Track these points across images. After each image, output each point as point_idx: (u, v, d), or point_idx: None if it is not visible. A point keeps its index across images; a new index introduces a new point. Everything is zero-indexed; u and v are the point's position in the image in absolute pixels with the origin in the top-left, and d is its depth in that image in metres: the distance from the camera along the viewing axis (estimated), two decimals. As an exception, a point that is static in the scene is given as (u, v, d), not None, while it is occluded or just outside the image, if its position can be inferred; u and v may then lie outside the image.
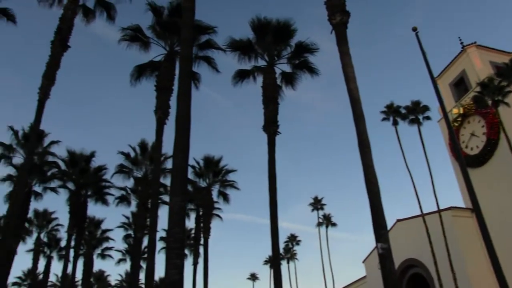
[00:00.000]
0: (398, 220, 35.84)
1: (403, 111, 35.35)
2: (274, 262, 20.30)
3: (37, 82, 20.40)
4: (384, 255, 11.61)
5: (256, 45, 23.09)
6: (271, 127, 21.20)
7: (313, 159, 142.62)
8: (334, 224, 64.93)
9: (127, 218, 40.94)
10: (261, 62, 23.59)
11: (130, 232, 41.85)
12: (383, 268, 11.72)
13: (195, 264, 34.70)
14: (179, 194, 10.73)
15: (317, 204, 65.44)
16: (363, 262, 40.57)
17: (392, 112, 35.99)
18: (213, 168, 33.52)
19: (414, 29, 15.84)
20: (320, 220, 64.65)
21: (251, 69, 23.98)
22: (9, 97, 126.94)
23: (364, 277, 40.94)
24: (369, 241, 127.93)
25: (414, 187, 32.83)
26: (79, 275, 40.60)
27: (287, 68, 23.87)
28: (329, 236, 63.19)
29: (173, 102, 20.92)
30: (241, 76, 23.95)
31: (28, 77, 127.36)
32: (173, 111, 20.74)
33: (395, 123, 35.77)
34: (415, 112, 34.94)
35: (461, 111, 35.98)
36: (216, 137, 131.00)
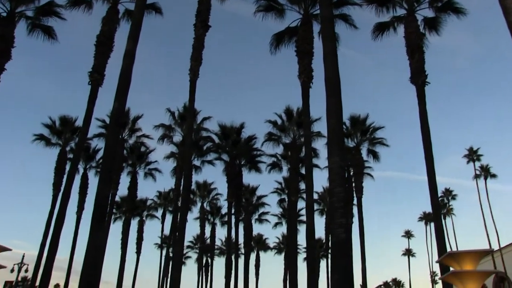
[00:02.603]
0: None
1: None
2: (435, 218, 19.54)
3: (183, 64, 21.97)
4: None
5: (393, -6, 22.01)
6: (418, 77, 20.20)
7: (465, 107, 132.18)
8: (493, 176, 60.22)
9: (280, 183, 42.57)
10: (400, 11, 22.55)
11: (284, 196, 43.48)
12: None
13: (349, 224, 34.94)
14: (338, 154, 10.83)
15: (472, 155, 61.07)
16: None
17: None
18: (360, 127, 32.95)
19: None
20: (477, 172, 60.34)
21: (390, 21, 23.05)
22: (160, 81, 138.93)
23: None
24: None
25: None
26: (240, 239, 43.62)
27: (429, 13, 22.46)
28: (488, 189, 58.70)
29: (315, 65, 21.05)
30: (380, 29, 23.12)
31: (174, 61, 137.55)
32: (316, 74, 20.89)
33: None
34: None
35: None
36: (359, 96, 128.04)
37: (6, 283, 37.02)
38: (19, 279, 36.22)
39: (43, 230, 26.01)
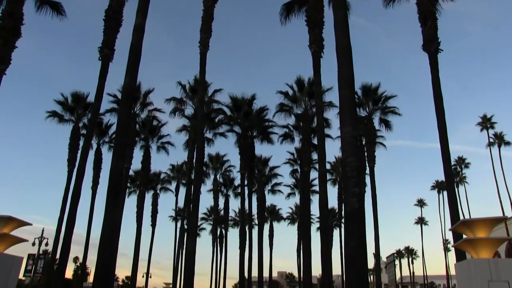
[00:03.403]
0: None
1: None
2: (448, 186, 19.55)
3: (193, 37, 21.80)
4: None
5: (405, -42, 21.47)
6: (431, 45, 19.88)
7: (479, 73, 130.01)
8: (507, 143, 59.76)
9: (292, 154, 42.63)
10: (413, -24, 21.92)
11: (296, 167, 43.56)
12: None
13: (362, 193, 35.00)
14: (350, 124, 10.81)
15: (486, 122, 60.47)
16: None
17: None
18: (372, 96, 32.67)
19: None
20: (491, 140, 59.81)
21: (402, -14, 22.51)
22: (170, 54, 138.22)
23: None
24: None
25: None
26: (254, 210, 44.04)
27: (443, -22, 21.89)
28: (502, 156, 58.33)
29: (325, 35, 20.78)
30: (392, -5, 22.62)
31: (184, 34, 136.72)
32: (327, 44, 20.64)
33: None
34: None
35: None
36: (370, 65, 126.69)
37: (30, 255, 38.29)
38: (41, 252, 37.18)
39: (60, 205, 26.56)
